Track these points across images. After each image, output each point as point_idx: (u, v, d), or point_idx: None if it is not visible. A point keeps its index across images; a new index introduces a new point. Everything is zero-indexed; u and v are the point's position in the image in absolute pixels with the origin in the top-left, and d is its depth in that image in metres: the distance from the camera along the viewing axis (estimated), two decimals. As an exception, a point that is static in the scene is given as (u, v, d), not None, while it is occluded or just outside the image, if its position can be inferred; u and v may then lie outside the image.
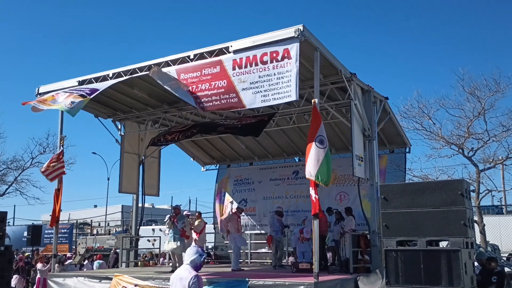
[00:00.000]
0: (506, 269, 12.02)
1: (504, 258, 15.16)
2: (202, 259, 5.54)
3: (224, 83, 9.68)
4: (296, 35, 9.05)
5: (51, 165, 12.33)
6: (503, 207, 31.29)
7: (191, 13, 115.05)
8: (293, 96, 8.97)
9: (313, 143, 9.08)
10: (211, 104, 9.89)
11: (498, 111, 18.89)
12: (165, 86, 10.47)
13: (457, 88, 19.43)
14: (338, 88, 12.12)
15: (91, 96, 11.05)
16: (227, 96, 9.65)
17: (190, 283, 5.27)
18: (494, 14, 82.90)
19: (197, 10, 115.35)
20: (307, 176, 9.13)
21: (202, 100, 9.91)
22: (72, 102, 10.89)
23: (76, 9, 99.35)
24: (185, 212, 15.20)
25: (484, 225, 17.61)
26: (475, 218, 16.08)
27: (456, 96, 19.65)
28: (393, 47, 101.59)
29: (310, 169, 9.04)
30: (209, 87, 9.87)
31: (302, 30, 9.03)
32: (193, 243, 15.58)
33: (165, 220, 12.83)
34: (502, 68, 29.92)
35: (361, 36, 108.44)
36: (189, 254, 5.53)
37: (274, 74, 9.20)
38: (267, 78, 9.27)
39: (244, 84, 9.50)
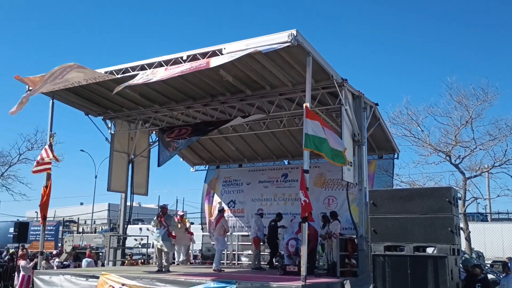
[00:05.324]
0: (490, 276, 12.19)
1: (488, 265, 15.34)
2: None
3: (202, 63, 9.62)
4: (289, 40, 9.10)
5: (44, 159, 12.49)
6: (488, 214, 31.71)
7: (187, 13, 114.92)
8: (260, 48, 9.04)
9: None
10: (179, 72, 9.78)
11: (485, 120, 19.23)
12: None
13: (445, 96, 19.72)
14: (329, 93, 12.19)
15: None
16: (196, 64, 9.55)
17: None
18: (484, 24, 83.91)
19: (192, 12, 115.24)
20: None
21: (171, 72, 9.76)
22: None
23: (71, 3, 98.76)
24: (179, 212, 15.57)
25: (470, 232, 17.84)
26: (461, 225, 16.27)
27: (444, 104, 19.95)
28: (383, 54, 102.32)
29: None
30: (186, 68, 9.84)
31: (295, 34, 9.09)
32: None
33: (152, 221, 12.83)
34: (490, 78, 30.31)
35: (353, 42, 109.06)
36: None
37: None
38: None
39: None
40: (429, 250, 8.24)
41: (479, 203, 33.30)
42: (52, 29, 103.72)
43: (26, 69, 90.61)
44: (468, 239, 17.66)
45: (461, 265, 9.57)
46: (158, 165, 16.06)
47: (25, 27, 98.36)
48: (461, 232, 14.08)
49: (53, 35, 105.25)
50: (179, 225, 15.28)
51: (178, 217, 15.75)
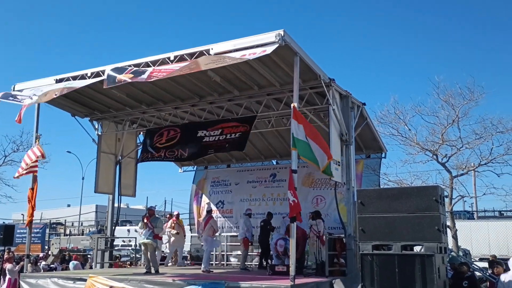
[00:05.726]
0: (477, 274, 12.30)
1: (476, 263, 15.47)
2: None
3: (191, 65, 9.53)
4: (276, 40, 9.09)
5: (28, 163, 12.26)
6: (474, 212, 32.04)
7: (187, 13, 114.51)
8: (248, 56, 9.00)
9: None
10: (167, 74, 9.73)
11: (472, 119, 19.39)
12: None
13: (433, 95, 19.87)
14: (316, 93, 12.22)
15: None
16: (188, 67, 9.44)
17: None
18: (470, 25, 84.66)
19: (192, 11, 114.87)
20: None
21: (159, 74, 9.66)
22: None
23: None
24: (174, 212, 15.81)
25: (456, 230, 17.99)
26: (448, 223, 16.41)
27: (432, 103, 20.09)
28: (371, 54, 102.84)
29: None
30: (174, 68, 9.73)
31: (282, 35, 9.07)
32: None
33: (140, 222, 12.81)
34: (482, 76, 30.71)
35: (340, 42, 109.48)
36: None
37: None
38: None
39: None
40: (417, 249, 8.31)
41: (465, 201, 33.74)
42: (52, 28, 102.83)
43: (26, 68, 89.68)
44: (455, 237, 17.81)
45: (448, 263, 9.66)
46: (137, 162, 16.10)
47: (25, 27, 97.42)
48: (448, 230, 14.21)
49: (52, 35, 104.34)
50: (174, 226, 15.19)
51: (174, 217, 15.62)
